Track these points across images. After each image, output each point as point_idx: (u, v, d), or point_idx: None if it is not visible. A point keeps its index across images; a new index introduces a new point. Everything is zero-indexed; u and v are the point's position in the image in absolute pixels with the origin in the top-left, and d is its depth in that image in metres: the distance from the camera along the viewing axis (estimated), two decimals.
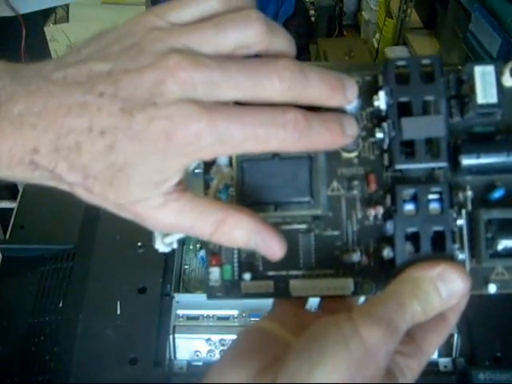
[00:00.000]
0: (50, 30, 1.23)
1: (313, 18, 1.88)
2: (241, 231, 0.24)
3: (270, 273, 0.27)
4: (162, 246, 0.27)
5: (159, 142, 0.22)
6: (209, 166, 0.27)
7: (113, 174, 0.23)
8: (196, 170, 0.27)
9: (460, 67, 0.26)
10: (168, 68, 0.22)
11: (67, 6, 1.31)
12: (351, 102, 0.25)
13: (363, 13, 1.82)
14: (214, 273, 0.27)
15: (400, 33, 1.50)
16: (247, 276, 0.27)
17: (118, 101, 0.22)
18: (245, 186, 0.26)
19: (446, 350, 0.57)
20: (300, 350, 0.22)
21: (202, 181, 0.28)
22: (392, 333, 0.22)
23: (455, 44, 1.17)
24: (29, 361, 0.59)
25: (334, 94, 0.24)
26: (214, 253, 0.27)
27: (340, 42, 1.83)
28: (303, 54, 1.66)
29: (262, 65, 0.23)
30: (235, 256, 0.27)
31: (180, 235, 0.26)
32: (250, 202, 0.26)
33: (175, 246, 0.27)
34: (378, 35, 1.60)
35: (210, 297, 0.27)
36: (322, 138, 0.24)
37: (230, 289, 0.27)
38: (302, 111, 0.23)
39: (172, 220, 0.24)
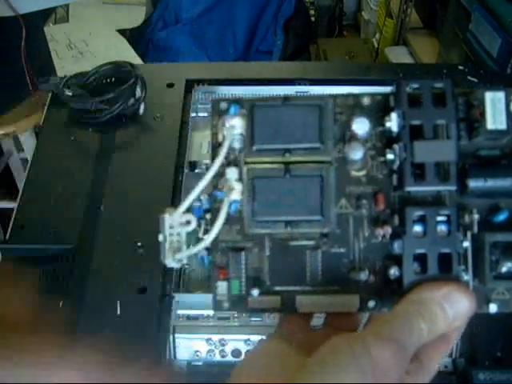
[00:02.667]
0: (50, 30, 1.23)
1: (313, 18, 1.88)
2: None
3: (277, 288, 0.27)
4: (172, 262, 0.26)
5: None
6: (218, 180, 0.27)
7: None
8: (196, 170, 0.27)
9: (461, 67, 0.26)
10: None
11: (67, 6, 1.31)
12: None
13: (363, 13, 1.82)
14: (222, 287, 0.27)
15: (400, 33, 1.50)
16: (255, 292, 0.27)
17: None
18: (255, 202, 0.26)
19: None
20: (313, 371, 0.22)
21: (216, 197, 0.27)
22: (402, 353, 0.22)
23: (455, 44, 1.17)
24: None
25: None
26: (221, 267, 0.27)
27: (340, 41, 1.83)
28: (303, 54, 1.66)
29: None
30: (243, 271, 0.27)
31: (191, 251, 0.26)
32: (260, 219, 0.26)
33: (185, 261, 0.27)
34: (377, 35, 1.60)
35: (216, 309, 0.27)
36: None
37: (237, 303, 0.27)
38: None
39: None
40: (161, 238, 0.26)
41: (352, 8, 1.96)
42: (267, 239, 0.27)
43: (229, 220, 0.27)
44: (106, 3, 1.48)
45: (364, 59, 1.62)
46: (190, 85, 0.80)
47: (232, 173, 0.27)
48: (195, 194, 0.26)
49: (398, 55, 1.44)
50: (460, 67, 0.87)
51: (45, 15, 1.19)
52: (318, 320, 0.29)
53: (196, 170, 0.70)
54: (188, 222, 0.26)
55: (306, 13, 1.80)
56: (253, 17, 1.59)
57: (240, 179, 0.27)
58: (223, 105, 0.27)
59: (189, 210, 0.27)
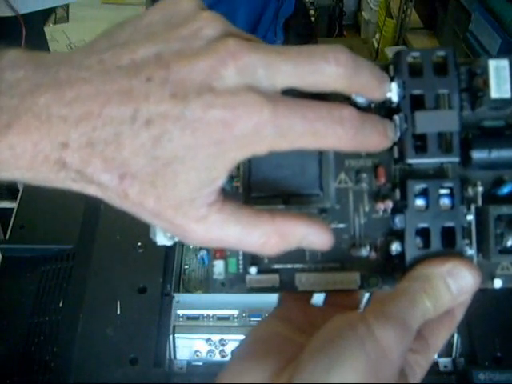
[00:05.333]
0: (50, 30, 1.23)
1: (313, 18, 1.88)
2: (293, 238, 0.23)
3: (276, 266, 0.26)
4: (163, 239, 0.25)
5: (216, 132, 0.20)
6: None
7: (156, 170, 0.20)
8: None
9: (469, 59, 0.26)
10: (227, 51, 0.20)
11: (67, 6, 1.31)
12: (385, 96, 0.24)
13: (363, 13, 1.81)
14: (218, 265, 0.26)
15: (400, 33, 1.50)
16: (253, 270, 0.26)
17: (169, 86, 0.20)
18: (252, 178, 0.26)
19: (446, 349, 0.57)
20: (315, 351, 0.21)
21: None
22: (405, 332, 0.21)
23: (455, 44, 1.17)
24: (29, 361, 0.59)
25: (379, 85, 0.23)
26: None
27: (340, 42, 1.83)
28: None
29: (318, 49, 0.22)
30: None
31: None
32: (257, 195, 0.26)
33: (177, 238, 0.25)
34: (378, 35, 1.60)
35: (212, 290, 0.27)
36: (372, 138, 0.23)
37: (235, 282, 0.27)
38: (354, 108, 0.22)
39: (216, 234, 0.22)
40: None
41: (352, 8, 1.95)
42: None
43: (225, 197, 0.26)
44: (105, 3, 1.48)
45: None
46: None
47: None
48: None
49: None
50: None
51: (45, 15, 1.19)
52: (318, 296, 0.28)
53: None
54: None
55: (306, 13, 1.79)
56: (253, 17, 1.59)
57: None
58: None
59: None
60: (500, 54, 0.92)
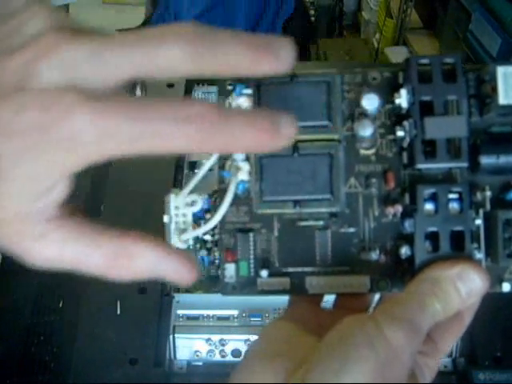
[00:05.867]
0: None
1: (313, 18, 1.88)
2: (144, 263, 0.22)
3: (286, 269, 0.27)
4: (178, 243, 0.26)
5: (33, 137, 0.18)
6: (224, 160, 0.27)
7: None
8: (196, 171, 0.26)
9: (473, 64, 0.26)
10: (43, 46, 0.18)
11: (67, 5, 1.31)
12: (288, 66, 0.20)
13: (363, 13, 1.82)
14: (230, 269, 0.27)
15: (400, 33, 1.50)
16: (264, 273, 0.27)
17: None
18: (263, 182, 0.26)
19: None
20: (325, 352, 0.21)
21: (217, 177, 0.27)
22: (415, 333, 0.21)
23: (455, 44, 1.17)
24: (29, 361, 0.59)
25: (259, 56, 0.19)
26: (229, 248, 0.27)
27: (340, 41, 1.83)
28: (303, 54, 1.66)
29: (155, 29, 0.19)
30: (251, 252, 0.27)
31: (197, 232, 0.26)
32: (268, 199, 0.26)
33: (191, 242, 0.26)
34: (378, 35, 1.60)
35: (224, 293, 0.27)
36: (244, 135, 0.19)
37: (245, 285, 0.27)
38: (214, 104, 0.19)
39: (53, 254, 0.20)
40: (166, 219, 0.26)
41: (352, 8, 1.95)
42: (276, 220, 0.27)
43: (236, 201, 0.26)
44: (105, 3, 1.48)
45: (364, 59, 1.62)
46: (189, 85, 0.80)
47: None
48: (201, 174, 0.26)
49: (398, 55, 1.44)
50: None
51: None
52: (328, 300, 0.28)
53: (196, 170, 0.71)
54: (193, 203, 0.26)
55: (306, 13, 1.80)
56: (253, 17, 1.59)
57: (247, 159, 0.26)
58: (229, 85, 0.27)
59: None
60: (500, 54, 0.92)
